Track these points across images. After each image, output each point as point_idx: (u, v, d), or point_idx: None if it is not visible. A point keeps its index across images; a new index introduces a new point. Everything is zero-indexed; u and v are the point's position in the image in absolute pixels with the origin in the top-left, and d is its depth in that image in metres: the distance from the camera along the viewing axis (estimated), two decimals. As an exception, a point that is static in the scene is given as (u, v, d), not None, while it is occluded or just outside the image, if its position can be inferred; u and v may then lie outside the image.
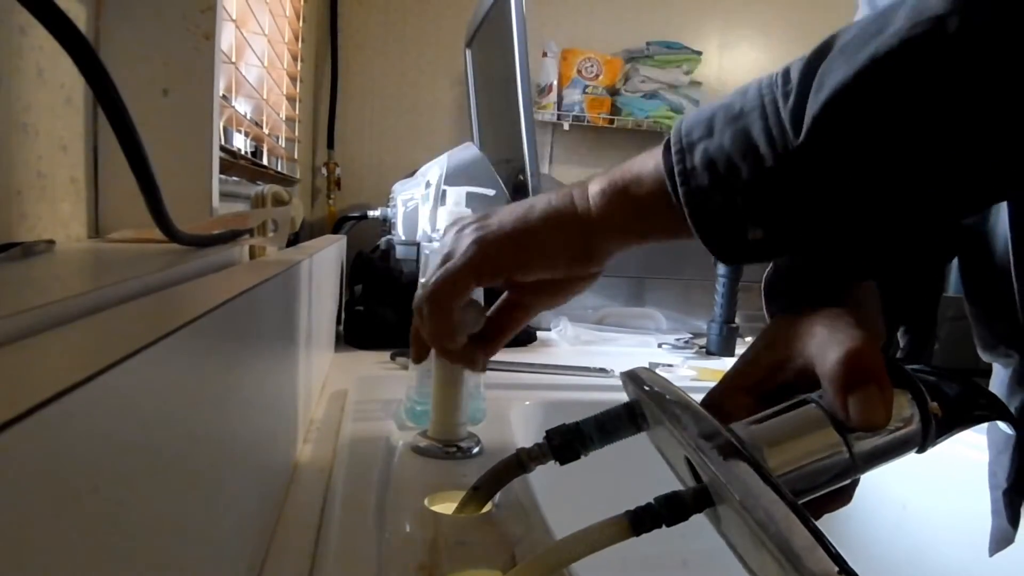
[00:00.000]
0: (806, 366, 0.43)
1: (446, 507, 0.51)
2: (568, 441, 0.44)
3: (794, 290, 0.53)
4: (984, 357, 0.61)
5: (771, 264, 0.59)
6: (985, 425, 0.66)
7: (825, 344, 0.42)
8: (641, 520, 0.35)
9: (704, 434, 0.34)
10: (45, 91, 0.61)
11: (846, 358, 0.40)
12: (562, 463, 0.45)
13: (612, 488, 0.65)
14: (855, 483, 0.43)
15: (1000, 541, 0.60)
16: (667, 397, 0.39)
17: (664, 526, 0.35)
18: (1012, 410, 0.57)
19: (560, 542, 0.36)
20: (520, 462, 0.45)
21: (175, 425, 0.26)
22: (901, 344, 0.58)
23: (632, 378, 0.44)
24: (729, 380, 0.47)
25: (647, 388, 0.41)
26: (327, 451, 0.65)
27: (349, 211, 2.32)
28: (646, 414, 0.43)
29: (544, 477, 0.51)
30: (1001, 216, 0.52)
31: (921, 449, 0.42)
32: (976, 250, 0.55)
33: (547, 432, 0.45)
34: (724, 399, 0.46)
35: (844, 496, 0.44)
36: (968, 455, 0.80)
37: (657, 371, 0.44)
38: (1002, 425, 0.44)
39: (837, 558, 0.26)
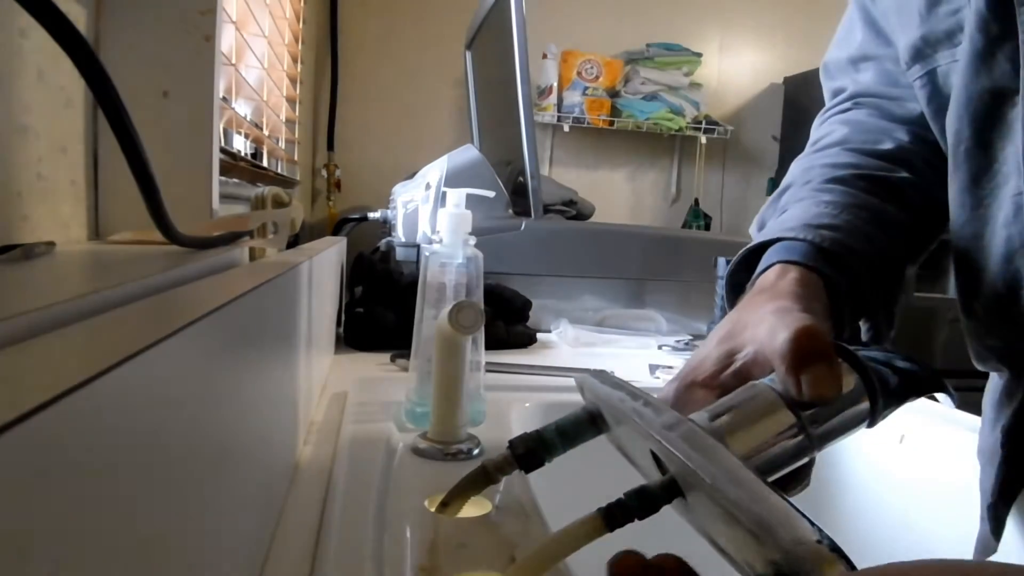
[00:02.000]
0: (756, 353, 0.46)
1: (446, 509, 0.51)
2: (531, 449, 0.44)
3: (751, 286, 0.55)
4: (977, 366, 0.61)
5: (733, 261, 0.60)
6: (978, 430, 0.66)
7: (775, 327, 0.44)
8: (613, 515, 0.35)
9: (667, 425, 0.35)
10: (45, 93, 0.61)
11: (796, 336, 0.42)
12: (527, 471, 0.45)
13: (611, 487, 0.65)
14: (811, 464, 0.45)
15: (984, 551, 0.60)
16: (626, 395, 0.40)
17: (636, 519, 0.35)
18: (999, 427, 0.58)
19: (537, 548, 0.36)
20: (486, 473, 0.45)
21: (175, 427, 0.26)
22: (864, 338, 0.59)
23: (587, 382, 0.44)
24: (683, 376, 0.49)
25: (604, 390, 0.42)
26: (327, 453, 0.65)
27: (349, 213, 2.33)
28: (605, 416, 0.43)
29: (544, 478, 0.51)
30: (996, 233, 0.52)
31: (871, 423, 0.44)
32: (970, 267, 0.56)
33: (510, 441, 0.45)
34: (680, 394, 0.48)
35: (802, 477, 0.45)
36: (970, 457, 0.80)
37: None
38: (942, 398, 0.46)
39: (812, 525, 0.26)
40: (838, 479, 0.91)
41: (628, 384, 0.41)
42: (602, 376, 0.44)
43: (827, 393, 0.41)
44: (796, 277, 0.52)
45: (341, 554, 0.46)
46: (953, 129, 0.54)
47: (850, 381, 0.43)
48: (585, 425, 0.45)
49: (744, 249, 0.60)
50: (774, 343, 0.43)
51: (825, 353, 0.42)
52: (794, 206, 0.60)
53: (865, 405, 0.43)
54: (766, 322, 0.45)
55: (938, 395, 0.46)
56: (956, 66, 0.54)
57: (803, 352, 0.41)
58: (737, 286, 0.61)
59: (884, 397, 0.44)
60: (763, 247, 0.58)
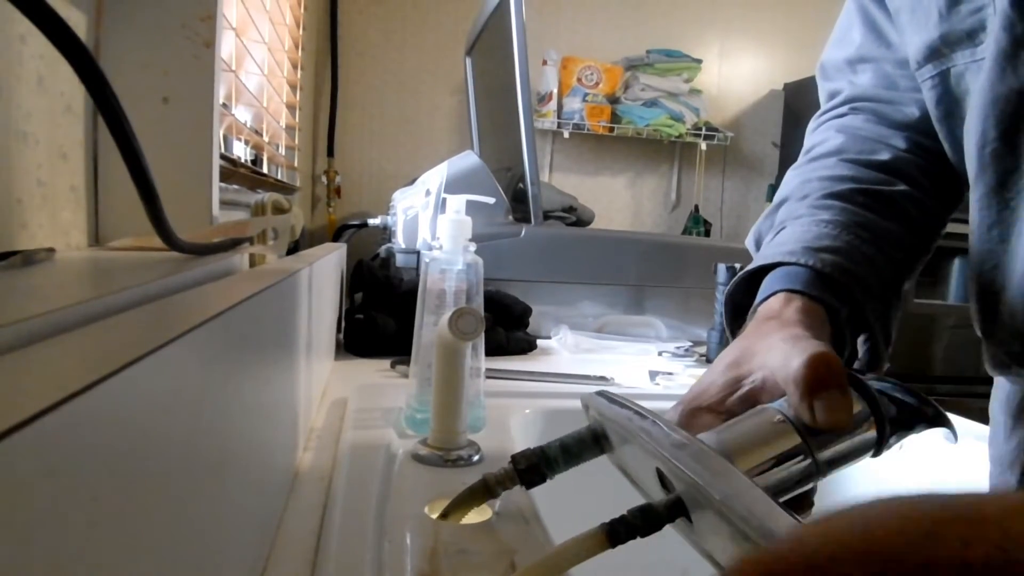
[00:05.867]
0: (766, 379, 0.46)
1: (446, 515, 0.51)
2: (533, 465, 0.45)
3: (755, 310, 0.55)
4: (992, 373, 0.60)
5: (732, 282, 0.60)
6: (987, 436, 0.66)
7: (789, 354, 0.44)
8: (616, 532, 0.36)
9: (676, 444, 0.35)
10: (45, 99, 0.61)
11: (811, 362, 0.42)
12: (528, 487, 0.45)
13: (612, 495, 0.64)
14: (813, 491, 0.45)
15: None
16: (633, 414, 0.40)
17: (639, 537, 0.35)
18: (1018, 437, 0.58)
19: (539, 560, 0.36)
20: (487, 487, 0.46)
21: (175, 433, 0.26)
22: (860, 353, 0.59)
23: (593, 401, 0.44)
24: (688, 401, 0.49)
25: (611, 409, 0.42)
26: (327, 459, 0.65)
27: (349, 219, 2.33)
28: (609, 435, 0.44)
29: (544, 485, 0.51)
30: (1023, 237, 0.52)
31: (876, 453, 0.44)
32: (994, 270, 0.55)
33: (512, 456, 0.45)
34: (685, 418, 0.47)
35: (806, 503, 0.46)
36: (971, 462, 0.80)
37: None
38: (943, 433, 0.46)
39: None
40: (835, 487, 0.90)
41: (635, 403, 0.41)
42: (608, 395, 0.44)
43: (839, 420, 0.41)
44: (800, 306, 0.52)
45: (341, 560, 0.46)
46: (978, 131, 0.53)
47: (859, 409, 0.43)
48: (588, 444, 0.45)
49: (744, 272, 0.60)
50: (788, 368, 0.43)
51: (839, 381, 0.42)
52: (792, 224, 0.60)
53: (872, 434, 0.44)
54: (778, 349, 0.45)
55: (939, 431, 0.46)
56: (975, 66, 0.54)
57: (817, 379, 0.41)
58: (736, 306, 0.61)
59: (891, 427, 0.44)
60: (762, 267, 0.58)
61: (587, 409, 0.46)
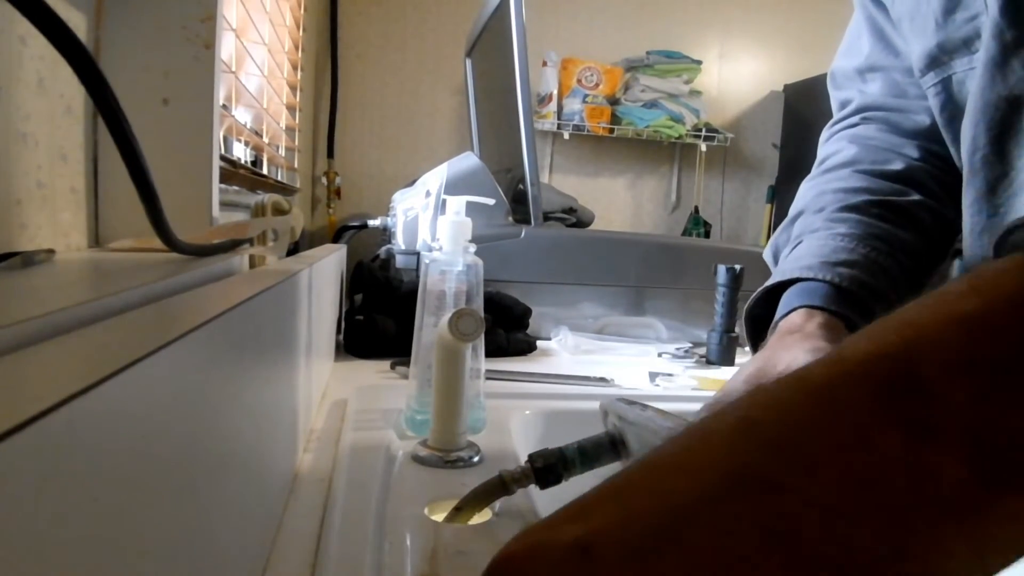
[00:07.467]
0: None
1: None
2: (551, 465, 0.45)
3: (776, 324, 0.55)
4: None
5: (752, 297, 0.61)
6: None
7: None
8: None
9: None
10: (45, 101, 0.61)
11: None
12: (543, 487, 0.45)
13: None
14: None
15: None
16: (654, 414, 0.40)
17: None
18: None
19: None
20: (503, 484, 0.46)
21: (175, 435, 0.26)
22: None
23: (612, 406, 0.45)
24: (711, 407, 0.49)
25: (633, 411, 0.42)
26: (327, 460, 0.65)
27: (349, 220, 2.33)
28: (628, 441, 0.44)
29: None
30: None
31: None
32: None
33: (530, 455, 0.45)
34: None
35: None
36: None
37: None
38: None
39: None
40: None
41: (652, 407, 0.42)
42: (626, 401, 0.44)
43: None
44: (821, 321, 0.53)
45: (341, 562, 0.46)
46: (969, 136, 0.54)
47: None
48: (606, 448, 0.45)
49: (762, 288, 0.61)
50: None
51: None
52: (809, 237, 0.61)
53: None
54: (802, 360, 0.46)
55: None
56: (973, 73, 0.54)
57: None
58: (755, 319, 0.62)
59: None
60: (781, 282, 0.59)
61: (605, 415, 0.46)
